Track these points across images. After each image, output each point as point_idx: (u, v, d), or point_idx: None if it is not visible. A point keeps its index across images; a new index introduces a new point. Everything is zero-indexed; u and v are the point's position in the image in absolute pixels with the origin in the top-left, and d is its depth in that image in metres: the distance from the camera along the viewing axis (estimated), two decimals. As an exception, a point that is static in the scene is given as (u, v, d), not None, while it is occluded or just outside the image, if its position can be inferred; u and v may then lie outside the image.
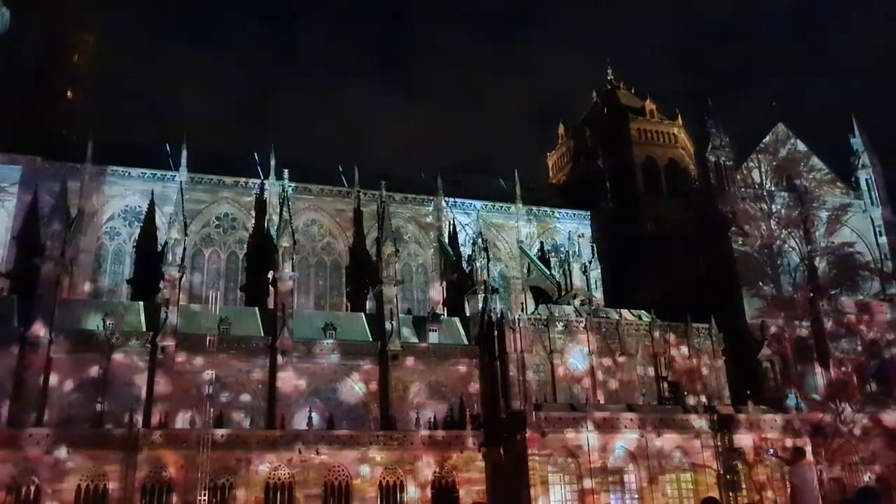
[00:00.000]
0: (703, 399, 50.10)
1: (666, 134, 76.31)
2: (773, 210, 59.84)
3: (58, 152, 55.58)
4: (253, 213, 59.50)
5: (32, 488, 38.97)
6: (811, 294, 56.22)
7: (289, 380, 48.02)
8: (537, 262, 63.93)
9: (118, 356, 45.92)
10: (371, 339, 51.58)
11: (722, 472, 44.36)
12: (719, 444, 45.12)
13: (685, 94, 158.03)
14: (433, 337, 53.07)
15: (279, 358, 48.05)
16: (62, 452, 39.73)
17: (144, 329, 47.81)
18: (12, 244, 51.79)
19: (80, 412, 44.21)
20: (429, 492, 44.80)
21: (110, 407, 44.53)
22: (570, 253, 61.56)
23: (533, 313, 54.05)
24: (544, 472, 42.14)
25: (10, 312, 46.07)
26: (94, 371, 45.16)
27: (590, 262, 61.31)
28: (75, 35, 66.02)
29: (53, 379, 44.50)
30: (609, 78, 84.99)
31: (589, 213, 68.54)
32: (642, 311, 55.14)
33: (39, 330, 44.51)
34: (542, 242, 66.23)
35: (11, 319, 45.61)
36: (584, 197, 69.84)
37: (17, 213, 52.97)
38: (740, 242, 59.31)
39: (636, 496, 43.19)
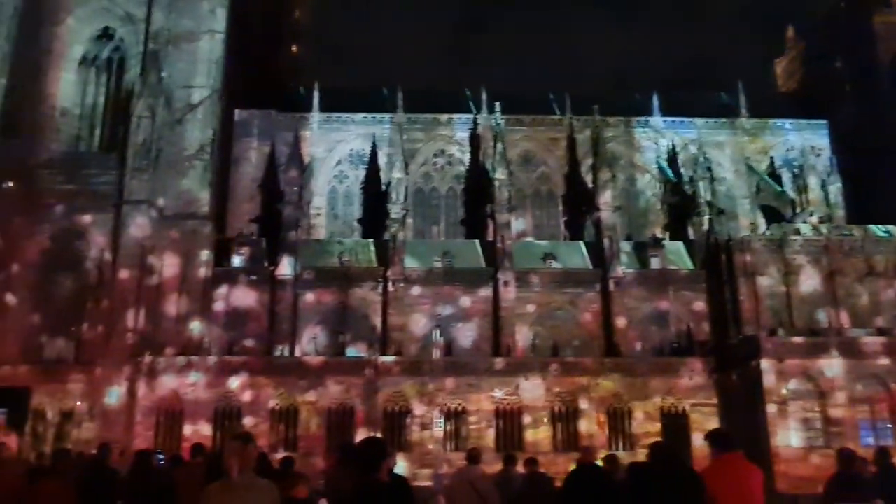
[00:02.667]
0: (972, 322, 44.70)
1: (918, 25, 66.79)
2: None
3: (289, 104, 60.08)
4: (468, 148, 60.67)
5: (292, 409, 43.58)
6: None
7: (511, 309, 49.21)
8: (767, 178, 59.51)
9: (354, 290, 49.61)
10: (591, 267, 51.30)
11: None
12: None
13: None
14: (655, 262, 51.67)
15: (501, 288, 49.31)
16: (314, 378, 43.89)
17: (375, 265, 51.06)
18: (258, 192, 57.09)
19: (325, 343, 48.81)
20: (657, 418, 44.28)
21: (351, 338, 48.67)
22: (805, 167, 56.67)
23: (764, 233, 50.74)
24: (782, 401, 40.01)
25: (260, 254, 51.25)
26: (334, 305, 49.27)
27: (828, 176, 56.14)
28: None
29: (300, 312, 49.13)
30: (847, -34, 75.46)
31: (826, 121, 62.20)
32: (891, 226, 49.77)
33: (285, 268, 49.07)
34: (771, 157, 61.29)
35: (262, 260, 50.75)
36: (819, 104, 63.41)
37: (258, 163, 58.19)
38: None
39: (890, 426, 39.81)
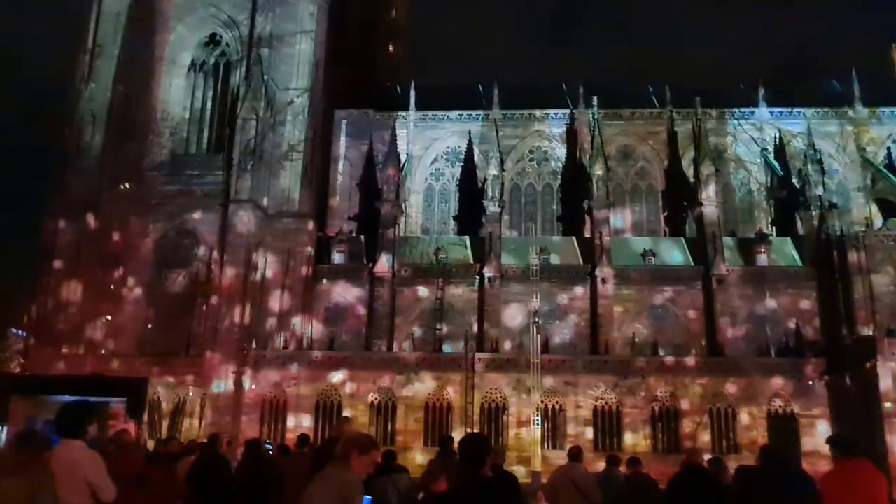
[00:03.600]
0: None
1: None
2: None
3: (385, 103, 60.93)
4: (564, 143, 59.96)
5: (390, 404, 44.33)
6: None
7: (609, 306, 48.44)
8: (883, 170, 56.13)
9: (450, 287, 49.92)
10: (693, 264, 49.90)
11: None
12: None
13: None
14: (761, 259, 49.76)
15: (599, 285, 48.57)
16: (411, 374, 44.48)
17: (472, 261, 51.20)
18: (356, 190, 58.22)
19: (421, 338, 49.29)
20: (764, 421, 42.65)
21: (447, 334, 48.98)
22: (927, 157, 53.27)
23: (881, 228, 48.09)
24: (901, 405, 37.78)
25: (359, 251, 52.29)
26: (431, 301, 49.69)
27: (953, 167, 52.53)
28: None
29: (397, 308, 49.79)
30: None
31: (949, 108, 58.35)
32: None
33: (384, 266, 49.86)
34: (888, 148, 57.81)
35: (361, 257, 51.76)
36: (941, 90, 59.48)
37: (356, 161, 59.31)
38: None
39: None
